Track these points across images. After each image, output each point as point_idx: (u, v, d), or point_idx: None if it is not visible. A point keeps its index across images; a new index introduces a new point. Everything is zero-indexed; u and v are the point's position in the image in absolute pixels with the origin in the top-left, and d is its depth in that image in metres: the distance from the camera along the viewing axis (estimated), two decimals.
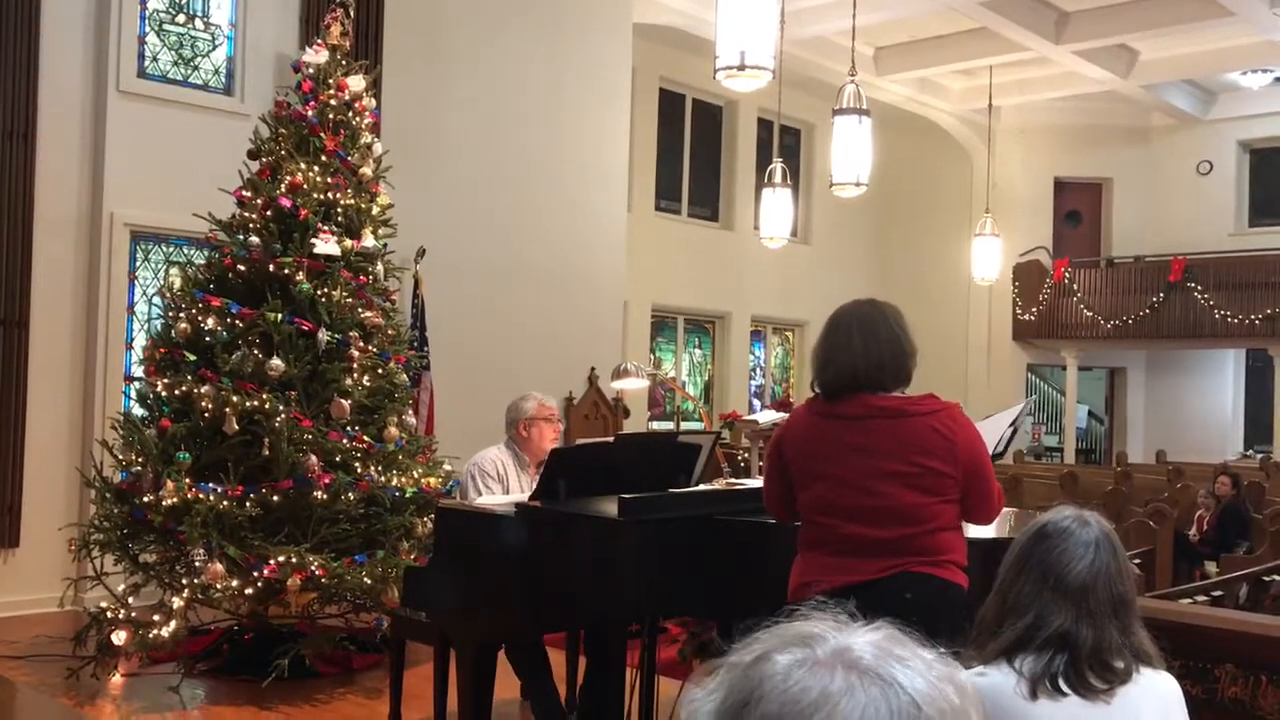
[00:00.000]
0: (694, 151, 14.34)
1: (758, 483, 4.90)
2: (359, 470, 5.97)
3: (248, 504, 5.68)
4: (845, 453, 3.01)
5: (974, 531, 3.30)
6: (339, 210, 6.26)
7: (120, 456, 6.02)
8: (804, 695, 0.88)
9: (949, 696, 0.90)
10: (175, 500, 5.60)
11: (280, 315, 5.90)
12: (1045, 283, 16.01)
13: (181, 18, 8.15)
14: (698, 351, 14.60)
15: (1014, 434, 4.50)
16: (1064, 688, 2.12)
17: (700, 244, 14.01)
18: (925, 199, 16.16)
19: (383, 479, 6.03)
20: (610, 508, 3.84)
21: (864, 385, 3.02)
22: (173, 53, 8.11)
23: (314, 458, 5.77)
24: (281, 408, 5.77)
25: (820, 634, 0.93)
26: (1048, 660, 2.14)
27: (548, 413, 5.21)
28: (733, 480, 4.61)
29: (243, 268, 6.08)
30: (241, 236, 6.15)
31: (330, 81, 6.41)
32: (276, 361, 5.82)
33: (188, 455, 5.75)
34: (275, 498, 5.72)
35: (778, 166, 10.02)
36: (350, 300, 6.15)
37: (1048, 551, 2.22)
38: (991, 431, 4.02)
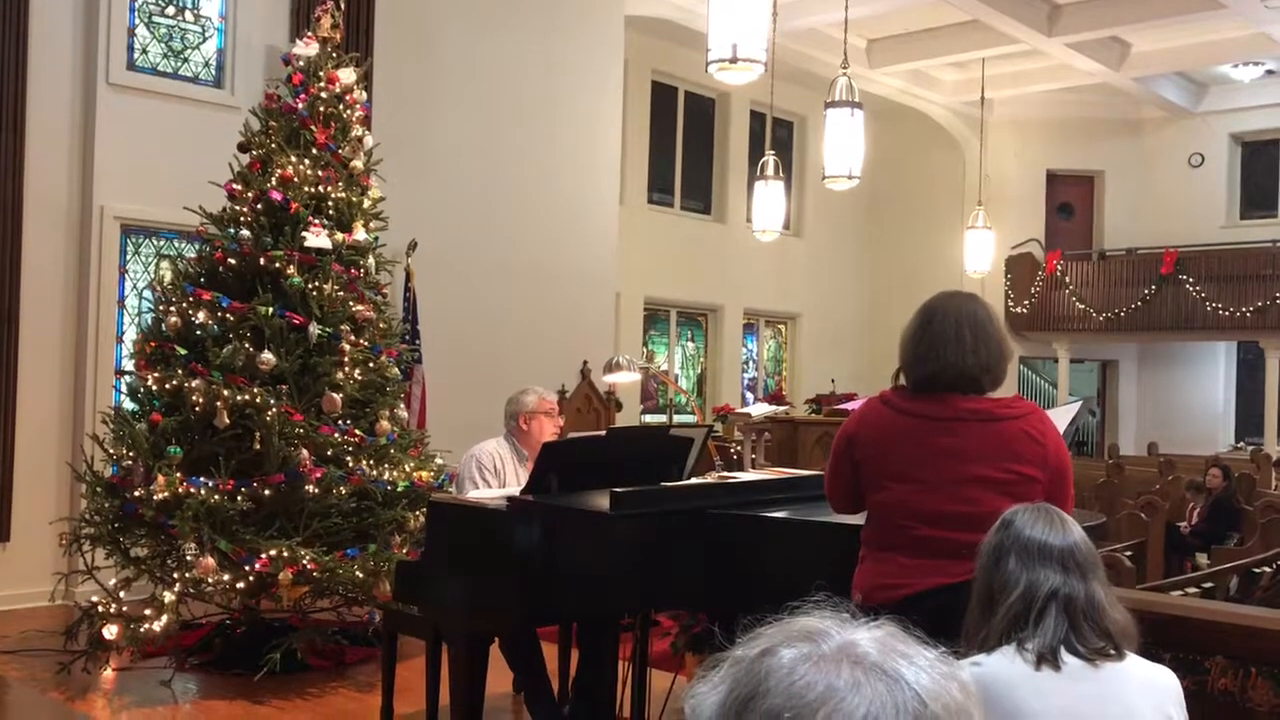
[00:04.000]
0: (686, 144, 14.31)
1: (750, 476, 4.91)
2: (351, 464, 5.96)
3: (239, 498, 5.67)
4: (931, 455, 2.87)
5: None
6: (330, 203, 6.25)
7: (111, 451, 6.01)
8: (809, 690, 0.87)
9: (952, 693, 0.90)
10: (166, 494, 5.59)
11: (271, 309, 5.88)
12: (1037, 275, 16.02)
13: (171, 10, 8.11)
14: (690, 344, 14.58)
15: (1076, 434, 4.26)
16: (1065, 657, 2.12)
17: (693, 237, 13.99)
18: (918, 192, 16.14)
19: (374, 473, 6.03)
20: (602, 501, 3.84)
21: (961, 385, 2.89)
22: (163, 45, 8.08)
23: (305, 452, 5.76)
24: (273, 402, 5.76)
25: (825, 629, 0.93)
26: (1051, 628, 2.13)
27: (548, 407, 5.23)
28: (725, 474, 4.62)
29: (233, 261, 6.07)
30: (232, 230, 6.13)
31: (321, 74, 6.39)
32: (268, 355, 5.80)
33: (179, 449, 5.75)
34: (267, 492, 5.72)
35: (770, 159, 10.02)
36: (341, 294, 6.14)
37: (1019, 532, 2.24)
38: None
